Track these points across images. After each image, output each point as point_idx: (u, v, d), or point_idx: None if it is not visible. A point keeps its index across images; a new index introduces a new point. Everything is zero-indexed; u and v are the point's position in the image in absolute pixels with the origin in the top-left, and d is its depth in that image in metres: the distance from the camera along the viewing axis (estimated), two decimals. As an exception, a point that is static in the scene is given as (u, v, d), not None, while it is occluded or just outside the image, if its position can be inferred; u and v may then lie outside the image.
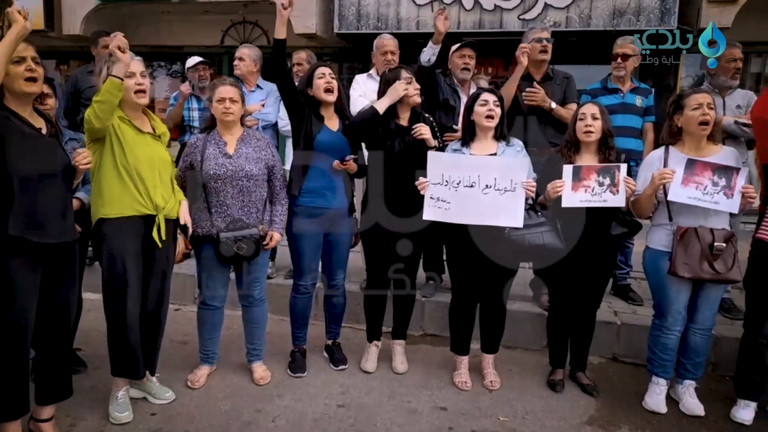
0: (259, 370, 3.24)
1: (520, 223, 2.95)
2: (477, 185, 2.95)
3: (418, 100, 3.15)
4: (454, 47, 3.90)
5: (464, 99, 3.81)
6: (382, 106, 3.07)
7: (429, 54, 3.53)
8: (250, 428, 2.76)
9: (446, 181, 2.97)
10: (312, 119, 3.13)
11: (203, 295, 3.12)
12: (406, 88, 3.07)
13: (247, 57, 4.20)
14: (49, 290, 2.35)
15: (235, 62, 4.23)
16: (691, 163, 2.78)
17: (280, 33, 3.03)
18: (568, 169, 2.93)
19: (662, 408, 3.03)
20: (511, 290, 4.02)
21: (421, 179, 2.98)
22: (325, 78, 3.11)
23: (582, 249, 3.04)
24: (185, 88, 4.40)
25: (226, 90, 2.94)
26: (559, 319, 3.26)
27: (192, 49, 8.64)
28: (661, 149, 3.01)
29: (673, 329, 2.99)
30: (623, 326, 3.72)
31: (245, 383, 3.20)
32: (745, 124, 3.54)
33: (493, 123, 3.04)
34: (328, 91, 3.11)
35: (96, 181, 2.64)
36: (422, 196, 2.98)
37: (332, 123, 3.21)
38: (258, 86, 4.23)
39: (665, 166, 2.90)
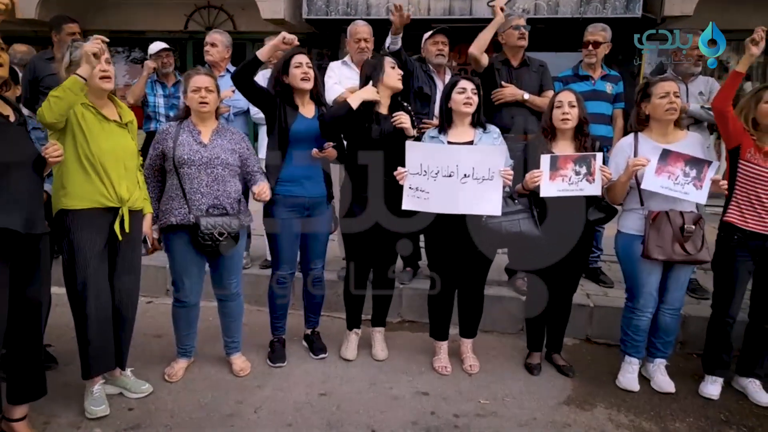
0: (238, 361, 3.20)
1: (498, 211, 2.97)
2: (455, 174, 2.96)
3: (400, 86, 3.12)
4: (427, 34, 3.90)
5: (440, 86, 3.81)
6: (355, 103, 3.04)
7: (389, 42, 3.55)
8: (232, 420, 2.73)
9: (425, 171, 2.97)
10: (286, 109, 3.09)
11: (178, 293, 3.04)
12: (378, 91, 3.04)
13: (220, 43, 4.09)
14: (18, 286, 2.26)
15: (207, 48, 4.11)
16: (665, 153, 2.86)
17: (264, 56, 2.98)
18: (545, 159, 2.97)
19: (635, 386, 3.13)
20: (488, 275, 4.13)
21: (400, 169, 2.97)
22: (302, 68, 3.06)
23: (558, 234, 3.10)
24: (150, 63, 4.28)
25: (201, 80, 2.86)
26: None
27: (154, 34, 8.42)
28: (631, 136, 3.08)
29: (645, 311, 3.09)
30: (596, 308, 3.82)
31: (225, 375, 3.16)
32: (710, 109, 3.64)
33: (471, 110, 3.05)
34: (304, 80, 3.06)
35: (58, 171, 2.53)
36: (401, 186, 2.98)
37: (307, 110, 3.16)
38: (228, 71, 4.13)
39: (636, 152, 2.98)
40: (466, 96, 3.02)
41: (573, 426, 2.79)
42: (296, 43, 2.96)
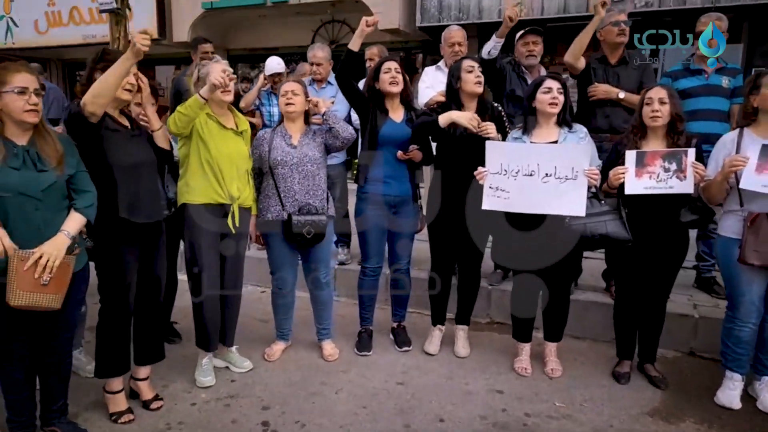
0: (328, 347, 3.48)
1: (582, 212, 2.92)
2: (536, 174, 2.96)
3: (478, 90, 3.20)
4: (518, 35, 3.90)
5: (534, 87, 3.80)
6: (443, 122, 3.13)
7: (490, 47, 3.57)
8: (314, 398, 3.00)
9: (505, 170, 3.01)
10: (377, 113, 3.31)
11: (276, 282, 3.40)
12: (475, 124, 3.08)
13: (324, 60, 4.41)
14: (145, 265, 2.72)
15: (314, 68, 4.43)
16: (765, 150, 2.62)
17: (356, 46, 3.23)
18: (630, 155, 2.87)
19: (735, 404, 2.89)
20: (583, 280, 4.02)
21: (480, 169, 3.04)
22: (390, 73, 3.26)
23: (650, 238, 2.97)
24: (263, 77, 4.79)
25: (289, 84, 3.20)
26: (625, 309, 3.19)
27: (286, 49, 9.21)
28: (736, 131, 2.86)
29: (746, 321, 2.84)
30: (701, 320, 3.55)
31: (315, 359, 3.46)
32: None
33: (557, 110, 3.03)
34: (392, 84, 3.26)
35: (183, 170, 2.99)
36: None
37: (397, 114, 3.36)
38: (329, 82, 4.45)
39: (738, 149, 2.76)
40: (551, 96, 3.01)
41: (652, 437, 2.66)
42: (377, 19, 3.15)
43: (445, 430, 2.71)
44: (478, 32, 6.91)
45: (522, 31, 3.87)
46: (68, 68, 11.65)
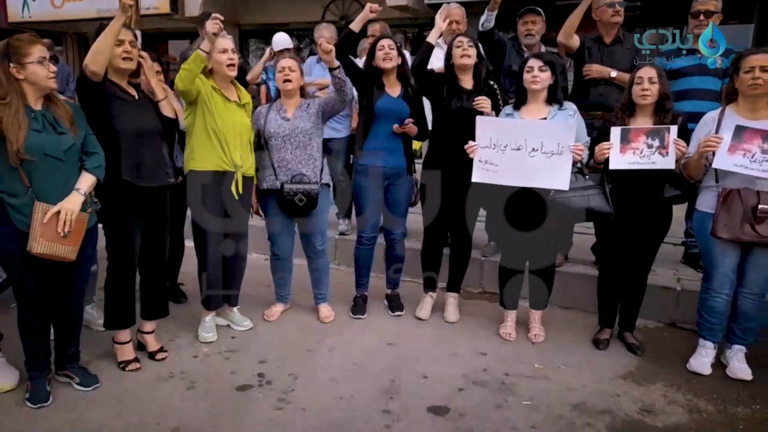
0: (324, 310, 3.68)
1: (566, 186, 3.05)
2: (524, 148, 3.10)
3: (464, 61, 3.33)
4: (519, 14, 3.99)
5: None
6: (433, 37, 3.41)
7: (483, 19, 3.70)
8: (309, 354, 3.21)
9: (494, 145, 3.15)
10: (373, 89, 3.45)
11: (273, 247, 3.60)
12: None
13: (330, 40, 4.52)
14: (148, 226, 2.91)
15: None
16: (739, 130, 2.73)
17: (356, 27, 3.38)
18: (615, 132, 2.99)
19: (705, 370, 3.04)
20: (573, 254, 4.16)
21: (470, 143, 3.18)
22: (384, 50, 3.40)
23: (633, 212, 3.10)
24: (268, 52, 4.95)
25: (285, 61, 3.34)
26: (608, 279, 3.34)
27: (297, 24, 9.31)
28: (718, 110, 2.96)
29: (720, 292, 2.98)
30: (683, 292, 3.69)
31: (312, 321, 3.66)
32: None
33: (538, 86, 3.15)
34: (386, 60, 3.39)
35: (189, 139, 3.16)
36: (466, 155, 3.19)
37: (393, 90, 3.49)
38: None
39: (718, 127, 2.87)
40: (532, 75, 3.13)
41: (621, 397, 2.83)
42: (378, 8, 3.31)
43: (427, 386, 2.90)
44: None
45: (521, 11, 3.96)
46: (83, 42, 11.80)
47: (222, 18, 2.99)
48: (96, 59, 2.53)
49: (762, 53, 2.77)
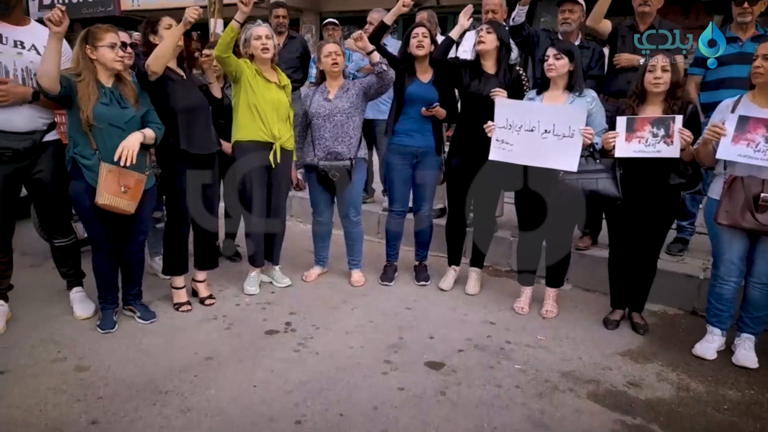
0: (356, 275, 4.06)
1: (574, 168, 3.20)
2: (537, 130, 3.28)
3: (480, 47, 3.56)
4: (557, 2, 4.09)
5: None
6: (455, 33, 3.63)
7: (515, 13, 3.85)
8: (333, 311, 3.61)
9: (510, 125, 3.35)
10: (405, 75, 3.74)
11: (314, 213, 4.03)
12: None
13: (375, 21, 4.85)
14: (200, 188, 3.41)
15: (367, 26, 4.90)
16: (743, 120, 2.76)
17: (389, 20, 3.69)
18: (621, 121, 3.09)
19: (708, 355, 3.09)
20: (602, 239, 4.25)
21: (489, 123, 3.40)
22: (417, 38, 3.66)
23: (641, 197, 3.20)
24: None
25: (331, 46, 3.69)
26: (618, 262, 3.45)
27: (374, 13, 9.65)
28: (735, 98, 2.98)
29: (727, 279, 3.02)
30: (706, 281, 3.68)
31: (344, 284, 4.05)
32: None
33: (554, 74, 3.30)
34: (419, 47, 3.66)
35: (235, 114, 3.61)
36: (489, 139, 3.41)
37: (424, 76, 3.76)
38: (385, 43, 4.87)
39: (732, 113, 2.89)
40: (548, 63, 3.29)
41: (613, 370, 2.97)
42: (410, 3, 3.58)
43: (431, 345, 3.19)
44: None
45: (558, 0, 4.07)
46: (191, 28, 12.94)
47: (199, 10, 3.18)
48: (158, 62, 3.02)
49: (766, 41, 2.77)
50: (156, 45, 3.20)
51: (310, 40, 9.63)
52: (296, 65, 5.38)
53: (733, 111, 2.91)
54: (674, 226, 4.18)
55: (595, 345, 3.25)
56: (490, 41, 3.51)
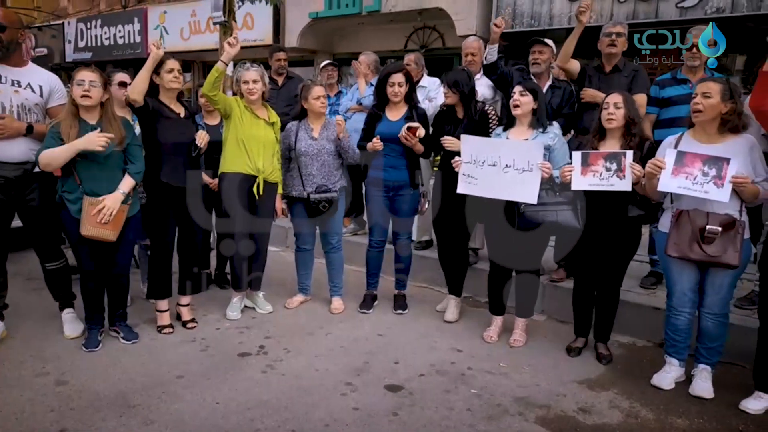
0: (336, 302, 4.23)
1: (534, 200, 3.36)
2: (498, 164, 3.45)
3: (447, 101, 3.83)
4: (528, 44, 4.31)
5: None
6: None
7: (486, 52, 4.08)
8: (309, 336, 3.77)
9: (474, 160, 3.53)
10: (376, 116, 4.01)
11: (298, 241, 4.24)
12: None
13: (367, 66, 5.15)
14: (182, 217, 3.66)
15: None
16: (680, 155, 2.89)
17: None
18: (576, 155, 3.25)
19: (665, 385, 3.14)
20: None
21: (456, 158, 3.59)
22: (394, 87, 3.90)
23: (600, 229, 3.32)
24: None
25: (320, 89, 3.96)
26: (580, 292, 3.55)
27: (383, 53, 9.98)
28: (677, 136, 3.12)
29: (681, 310, 3.09)
30: (673, 313, 3.74)
31: (324, 311, 4.22)
32: None
33: (519, 111, 3.49)
34: (395, 95, 3.91)
35: (224, 147, 3.86)
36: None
37: (395, 114, 3.98)
38: (371, 84, 5.13)
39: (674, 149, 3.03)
40: (513, 100, 3.49)
41: (567, 397, 3.05)
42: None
43: (394, 370, 3.32)
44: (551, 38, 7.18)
45: (530, 40, 4.29)
46: (208, 69, 13.57)
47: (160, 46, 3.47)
48: (133, 91, 3.33)
49: (707, 80, 2.92)
50: (157, 84, 3.54)
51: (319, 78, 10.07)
52: (294, 103, 5.68)
53: (675, 147, 3.04)
54: (647, 259, 4.27)
55: (554, 373, 3.33)
56: (452, 95, 3.77)
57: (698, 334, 3.13)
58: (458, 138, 3.64)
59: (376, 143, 3.86)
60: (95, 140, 3.03)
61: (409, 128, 3.79)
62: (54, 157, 3.05)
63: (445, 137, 3.66)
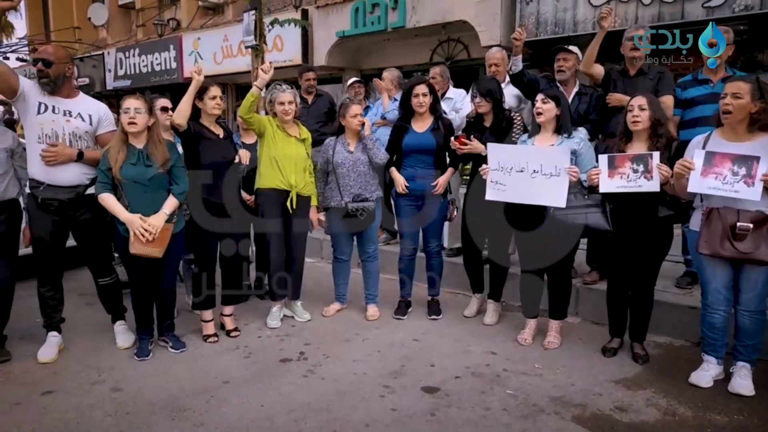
0: (371, 309, 4.34)
1: (562, 204, 3.42)
2: (526, 170, 3.53)
3: (479, 110, 3.93)
4: (552, 52, 4.38)
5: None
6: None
7: (510, 63, 4.17)
8: (346, 342, 3.89)
9: (502, 167, 3.62)
10: (402, 128, 4.14)
11: (336, 252, 4.38)
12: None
13: (391, 81, 5.31)
14: (226, 234, 3.85)
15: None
16: (709, 156, 2.92)
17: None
18: (603, 159, 3.30)
19: (703, 383, 3.13)
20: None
21: (484, 166, 3.69)
22: (418, 98, 4.03)
23: (632, 230, 3.36)
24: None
25: (357, 108, 4.11)
26: (614, 292, 3.57)
27: (409, 67, 10.22)
28: (706, 134, 3.14)
29: (716, 308, 3.10)
30: (710, 312, 3.72)
31: (360, 318, 4.34)
32: None
33: (542, 119, 3.57)
34: (418, 105, 4.04)
35: (258, 164, 4.06)
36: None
37: (420, 126, 4.11)
38: (395, 99, 5.27)
39: (702, 149, 3.05)
40: (536, 108, 3.57)
41: (603, 396, 3.08)
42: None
43: (430, 372, 3.40)
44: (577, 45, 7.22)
45: (554, 48, 4.36)
46: (241, 90, 14.00)
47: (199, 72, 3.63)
48: (178, 116, 3.54)
49: (736, 80, 2.95)
50: (199, 108, 3.76)
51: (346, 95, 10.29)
52: (323, 120, 5.88)
53: (704, 147, 3.07)
54: (682, 260, 4.26)
55: (590, 373, 3.36)
56: (484, 104, 3.90)
57: (735, 331, 3.12)
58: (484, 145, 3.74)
59: (403, 185, 4.11)
60: (136, 226, 3.29)
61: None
62: (107, 206, 3.36)
63: (456, 142, 3.83)
